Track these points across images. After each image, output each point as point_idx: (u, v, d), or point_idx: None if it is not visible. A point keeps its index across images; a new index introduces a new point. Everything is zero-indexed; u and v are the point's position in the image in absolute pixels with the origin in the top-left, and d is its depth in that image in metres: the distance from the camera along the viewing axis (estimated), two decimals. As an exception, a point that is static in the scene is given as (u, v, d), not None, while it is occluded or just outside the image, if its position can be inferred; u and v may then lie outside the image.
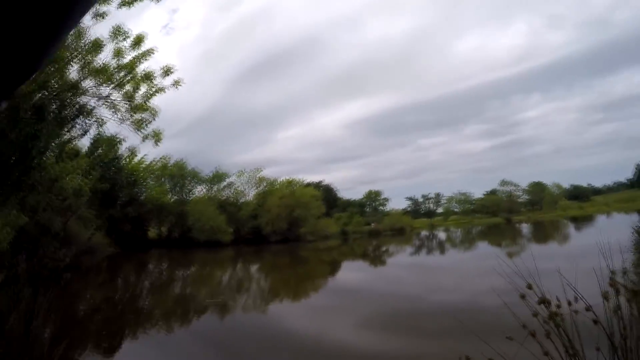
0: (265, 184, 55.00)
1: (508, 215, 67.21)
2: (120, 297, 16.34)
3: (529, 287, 3.69)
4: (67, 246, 12.17)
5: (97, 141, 13.88)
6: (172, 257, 33.36)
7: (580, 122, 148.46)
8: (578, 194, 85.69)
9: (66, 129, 10.23)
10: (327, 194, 69.94)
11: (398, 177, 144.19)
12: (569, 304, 3.60)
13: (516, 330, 3.65)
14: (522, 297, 3.63)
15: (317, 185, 68.69)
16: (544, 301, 3.60)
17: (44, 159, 8.27)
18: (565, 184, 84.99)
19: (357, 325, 11.54)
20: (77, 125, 10.96)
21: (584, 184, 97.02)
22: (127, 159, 31.82)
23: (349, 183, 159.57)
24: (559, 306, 3.59)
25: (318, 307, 14.75)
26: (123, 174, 30.29)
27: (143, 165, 36.32)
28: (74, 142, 12.35)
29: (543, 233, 39.00)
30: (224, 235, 42.10)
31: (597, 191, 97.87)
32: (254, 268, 30.54)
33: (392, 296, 15.49)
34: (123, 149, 27.75)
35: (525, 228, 47.99)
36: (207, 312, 13.24)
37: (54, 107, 8.73)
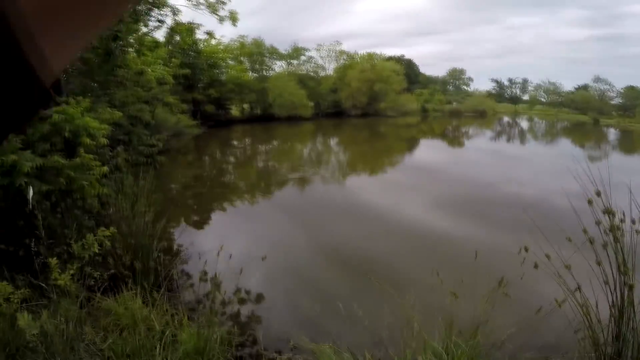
0: (345, 58, 53.72)
1: (597, 116, 61.21)
2: (207, 174, 17.89)
3: (598, 194, 3.77)
4: (158, 132, 13.30)
5: (174, 30, 14.27)
6: (255, 133, 34.94)
7: None
8: None
9: (142, 23, 10.69)
10: (408, 69, 67.28)
11: (484, 56, 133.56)
12: (633, 222, 3.68)
13: (579, 234, 3.84)
14: (590, 202, 3.73)
15: (399, 60, 65.80)
16: (609, 212, 3.69)
17: (126, 55, 8.88)
18: None
19: (429, 205, 12.06)
20: (152, 18, 11.38)
21: None
22: (205, 43, 32.28)
23: (432, 59, 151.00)
24: (622, 220, 3.69)
25: (393, 183, 15.33)
26: (202, 57, 30.91)
27: (221, 47, 36.58)
28: (151, 34, 12.97)
29: (630, 143, 35.57)
30: (305, 110, 42.72)
31: None
32: (333, 142, 31.41)
33: (466, 181, 15.66)
34: (200, 34, 28.23)
35: (612, 133, 43.87)
36: (288, 185, 14.23)
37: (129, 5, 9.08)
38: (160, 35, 26.66)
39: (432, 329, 4.13)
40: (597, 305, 3.71)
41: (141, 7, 9.67)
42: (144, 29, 11.15)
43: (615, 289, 3.62)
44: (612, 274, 3.62)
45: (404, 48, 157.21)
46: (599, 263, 3.59)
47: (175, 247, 8.58)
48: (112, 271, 5.38)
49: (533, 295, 5.16)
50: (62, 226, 5.38)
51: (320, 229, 10.03)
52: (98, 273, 5.02)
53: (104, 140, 6.62)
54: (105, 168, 6.26)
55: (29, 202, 4.89)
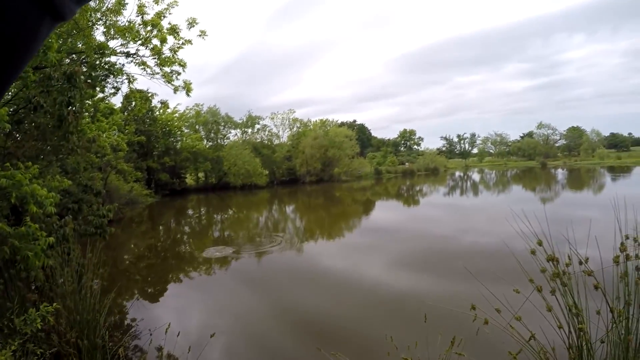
0: (298, 125, 55.21)
1: (544, 160, 65.48)
2: (162, 244, 17.28)
3: (539, 243, 3.83)
4: (110, 201, 12.83)
5: (129, 97, 14.22)
6: (210, 202, 34.47)
7: (626, 67, 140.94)
8: (617, 143, 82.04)
9: (98, 89, 10.58)
10: (361, 133, 69.68)
11: (433, 115, 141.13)
12: (580, 263, 3.73)
13: (535, 278, 3.84)
14: (533, 253, 3.78)
15: (351, 125, 68.28)
16: (552, 259, 3.74)
17: (80, 121, 8.66)
18: (605, 132, 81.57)
19: (388, 264, 11.99)
20: (108, 85, 11.30)
21: (625, 133, 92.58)
22: (161, 111, 32.37)
23: (383, 122, 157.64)
24: (568, 264, 3.73)
25: (351, 246, 15.25)
26: (157, 125, 30.87)
27: (176, 115, 36.83)
28: (107, 101, 12.81)
29: (577, 181, 38.01)
30: (260, 178, 42.87)
31: (637, 142, 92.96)
32: (289, 209, 31.31)
33: (422, 237, 15.87)
34: (155, 101, 28.33)
35: (560, 174, 46.79)
36: (245, 253, 13.86)
37: (84, 70, 9.01)
38: (116, 101, 26.62)
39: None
40: (553, 349, 3.69)
41: (98, 73, 9.59)
42: (100, 95, 11.02)
43: (569, 331, 3.63)
44: (565, 316, 3.64)
45: (356, 113, 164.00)
46: (549, 309, 3.62)
47: (126, 322, 8.03)
48: (56, 349, 4.90)
49: (489, 348, 5.08)
50: (3, 298, 4.93)
51: (280, 296, 9.71)
52: (41, 350, 4.57)
53: (52, 209, 6.25)
54: (52, 238, 5.87)
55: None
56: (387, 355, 4.10)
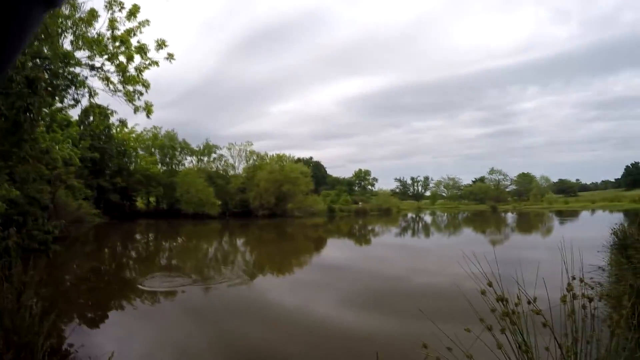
0: (255, 158, 55.07)
1: (494, 204, 68.12)
2: (106, 267, 16.42)
3: (489, 284, 3.88)
4: (56, 217, 12.14)
5: (88, 111, 13.73)
6: (159, 229, 33.44)
7: (576, 117, 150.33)
8: (565, 189, 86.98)
9: (57, 99, 10.15)
10: (316, 170, 70.25)
11: (389, 157, 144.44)
12: (528, 302, 3.79)
13: (486, 317, 3.85)
14: (483, 293, 3.81)
15: (307, 162, 68.80)
16: (501, 299, 3.79)
17: (35, 129, 8.22)
18: (554, 178, 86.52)
19: (339, 302, 11.82)
20: (69, 95, 10.87)
21: (573, 179, 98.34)
22: (118, 129, 31.56)
23: (339, 160, 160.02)
24: (517, 304, 3.78)
25: (302, 282, 15.00)
26: (113, 143, 30.03)
27: (133, 135, 36.04)
28: (65, 112, 12.26)
29: (526, 224, 39.65)
30: (212, 208, 42.25)
31: (584, 187, 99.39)
32: (240, 242, 30.77)
33: (374, 276, 15.82)
34: (114, 119, 27.60)
35: (510, 217, 48.72)
36: (192, 285, 13.35)
37: (47, 76, 8.62)
38: (73, 113, 25.69)
39: None
40: None
41: (60, 82, 9.19)
42: (59, 105, 10.55)
43: None
44: (515, 354, 3.68)
45: (313, 150, 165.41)
46: (499, 347, 3.64)
47: (64, 347, 7.42)
48: (-11, 373, 4.43)
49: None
50: None
51: (226, 331, 9.30)
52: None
53: (-4, 219, 5.81)
54: (-7, 250, 5.42)
55: None
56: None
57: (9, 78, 6.83)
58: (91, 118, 23.53)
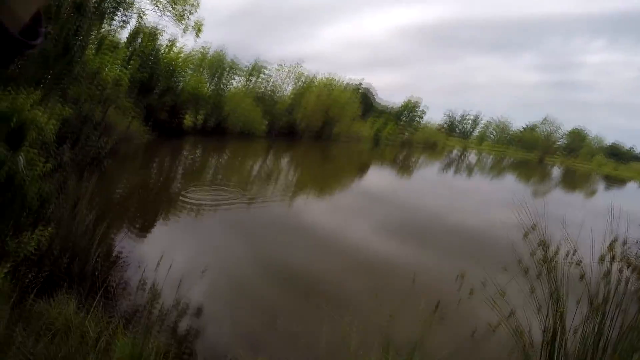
0: (304, 80, 54.02)
1: (542, 155, 65.08)
2: (154, 181, 17.45)
3: (534, 227, 4.00)
4: (107, 134, 12.90)
5: (137, 32, 14.02)
6: (206, 146, 34.43)
7: None
8: (617, 154, 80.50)
9: (106, 22, 10.47)
10: (365, 96, 68.74)
11: (440, 92, 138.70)
12: (566, 254, 3.93)
13: (516, 265, 4.05)
14: (526, 235, 3.96)
15: (356, 87, 67.06)
16: (543, 244, 3.93)
17: (85, 52, 8.64)
18: (607, 140, 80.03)
19: (374, 229, 12.28)
20: (117, 18, 11.17)
21: (627, 146, 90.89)
22: (166, 50, 31.84)
23: (389, 89, 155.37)
24: (556, 252, 3.93)
25: (340, 206, 15.50)
26: (162, 64, 30.36)
27: (182, 56, 36.06)
28: (113, 34, 12.65)
29: (571, 182, 37.97)
30: (258, 128, 42.67)
31: (637, 157, 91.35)
32: (283, 162, 31.42)
33: (412, 208, 16.12)
34: (163, 40, 27.73)
35: (555, 172, 46.70)
36: (236, 200, 14.06)
37: (94, 1, 8.91)
38: (122, 36, 26.08)
39: (369, 349, 4.22)
40: (530, 330, 3.91)
41: (107, 5, 9.47)
42: (107, 27, 10.89)
43: (547, 315, 3.83)
44: (546, 301, 3.83)
45: (363, 76, 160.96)
46: (532, 291, 3.80)
47: (114, 253, 8.28)
48: (48, 273, 5.12)
49: (470, 319, 5.37)
50: (-2, 221, 5.10)
51: (265, 246, 9.99)
52: (33, 274, 4.78)
53: (52, 136, 6.37)
54: (50, 165, 6.01)
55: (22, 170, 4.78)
56: (369, 311, 4.33)
57: (57, 4, 7.17)
58: (139, 40, 23.96)
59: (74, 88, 8.95)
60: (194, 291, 6.03)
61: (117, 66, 12.68)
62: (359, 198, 18.18)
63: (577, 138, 72.78)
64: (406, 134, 68.60)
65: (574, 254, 3.84)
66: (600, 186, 36.13)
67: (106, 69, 11.05)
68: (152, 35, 24.04)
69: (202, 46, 41.82)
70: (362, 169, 30.52)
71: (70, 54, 7.64)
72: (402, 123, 74.67)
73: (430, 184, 25.40)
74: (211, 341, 5.27)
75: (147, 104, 29.03)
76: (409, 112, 79.36)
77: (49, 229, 5.03)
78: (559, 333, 3.78)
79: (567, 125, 77.74)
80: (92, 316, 4.51)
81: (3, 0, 0.47)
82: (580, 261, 3.75)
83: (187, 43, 42.67)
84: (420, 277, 4.49)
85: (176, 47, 31.91)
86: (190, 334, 5.50)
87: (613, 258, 3.80)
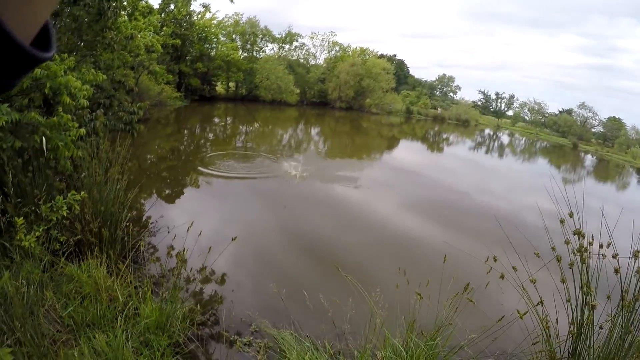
0: (337, 49, 53.37)
1: (576, 141, 62.50)
2: (185, 148, 17.70)
3: (571, 214, 3.85)
4: (140, 100, 13.02)
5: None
6: (237, 113, 34.62)
7: None
8: None
9: (139, -14, 10.45)
10: (399, 69, 67.37)
11: (476, 67, 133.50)
12: (600, 246, 3.78)
13: (546, 253, 3.93)
14: (562, 222, 3.81)
15: (390, 59, 65.54)
16: (578, 233, 3.78)
17: (118, 18, 8.64)
18: None
19: (403, 205, 12.18)
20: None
21: None
22: (200, 16, 31.75)
23: (423, 62, 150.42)
24: (591, 243, 3.78)
25: (368, 179, 15.39)
26: (194, 30, 30.32)
27: (215, 22, 35.97)
28: (146, 0, 12.66)
29: (604, 172, 36.39)
30: (290, 96, 42.66)
31: None
32: (314, 131, 31.36)
33: (440, 186, 15.89)
34: (196, 5, 27.57)
35: (588, 160, 44.92)
36: (264, 169, 14.13)
37: (127, -35, 8.84)
38: (155, 2, 26.08)
39: (394, 327, 4.21)
40: (557, 320, 3.82)
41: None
42: (140, -8, 10.88)
43: (576, 307, 3.72)
44: (575, 292, 3.72)
45: (398, 47, 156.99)
46: (563, 281, 3.69)
47: (144, 218, 8.48)
48: (79, 237, 5.26)
49: (496, 304, 5.29)
50: (32, 186, 5.22)
51: (293, 217, 10.05)
52: (64, 237, 4.91)
53: (85, 102, 6.43)
54: (83, 130, 6.08)
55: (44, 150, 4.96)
56: (395, 288, 4.30)
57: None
58: (172, 6, 23.93)
59: (107, 54, 9.01)
60: (221, 259, 6.12)
61: (150, 32, 12.69)
62: (386, 172, 18.04)
63: (614, 127, 69.41)
64: (439, 109, 67.11)
65: (608, 247, 3.68)
66: (633, 179, 34.68)
67: (139, 35, 11.06)
68: (185, 0, 23.92)
69: (235, 12, 41.66)
70: (391, 143, 30.18)
71: (104, 19, 7.65)
72: (435, 97, 73.08)
73: (459, 162, 24.93)
74: (236, 309, 5.35)
75: (180, 70, 29.24)
76: (443, 86, 77.55)
77: (82, 193, 5.12)
78: (585, 326, 3.67)
79: (604, 112, 73.87)
80: (121, 281, 4.63)
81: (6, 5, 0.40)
82: (617, 254, 3.59)
83: (220, 9, 42.52)
84: (449, 258, 4.39)
85: (209, 13, 31.69)
86: (216, 301, 5.61)
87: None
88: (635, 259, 3.65)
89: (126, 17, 10.21)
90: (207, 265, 5.53)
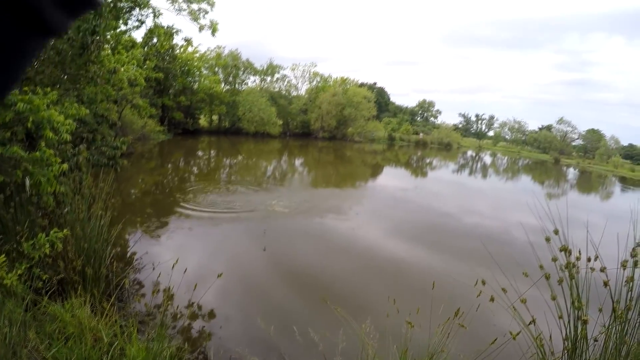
0: (318, 80, 54.35)
1: (558, 156, 64.12)
2: (169, 182, 17.52)
3: (556, 232, 3.85)
4: (123, 134, 12.93)
5: (153, 31, 14.05)
6: (221, 146, 34.63)
7: None
8: (634, 155, 78.18)
9: (122, 21, 10.48)
10: (379, 96, 68.73)
11: (456, 91, 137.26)
12: (588, 260, 3.78)
13: (534, 270, 3.91)
14: (547, 240, 3.80)
15: (371, 87, 67.09)
16: (565, 249, 3.77)
17: (101, 52, 8.63)
18: (624, 141, 77.16)
19: (390, 232, 12.15)
20: (133, 17, 11.18)
21: None
22: (182, 49, 32.07)
23: (404, 89, 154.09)
24: (578, 258, 3.78)
25: (354, 208, 15.37)
26: (177, 63, 30.58)
27: (197, 55, 36.36)
28: (129, 34, 12.71)
29: (587, 184, 37.32)
30: (273, 128, 42.93)
31: None
32: (299, 162, 31.45)
33: (427, 210, 15.97)
34: (178, 39, 27.88)
35: (571, 173, 46.04)
36: (251, 201, 14.00)
37: (110, 0, 8.90)
38: (138, 35, 26.27)
39: (386, 356, 4.12)
40: (550, 337, 3.78)
41: (123, 5, 9.47)
42: (123, 27, 10.91)
43: (569, 323, 3.71)
44: (567, 308, 3.71)
45: (378, 76, 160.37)
46: (553, 298, 3.68)
47: (129, 254, 8.29)
48: (62, 275, 5.08)
49: (488, 326, 5.22)
50: (13, 222, 5.07)
51: (280, 249, 9.92)
52: (47, 276, 4.74)
53: (67, 136, 6.33)
54: (65, 165, 5.96)
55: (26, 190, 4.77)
56: (386, 317, 4.23)
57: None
58: (155, 40, 24.14)
59: (90, 88, 8.95)
60: (208, 294, 5.96)
61: (133, 66, 12.70)
62: (372, 199, 18.07)
63: (594, 139, 71.50)
64: (421, 134, 68.24)
65: (595, 260, 3.70)
66: (616, 189, 35.44)
67: (122, 69, 11.06)
68: (167, 34, 24.15)
69: (217, 46, 42.20)
70: (375, 171, 30.41)
71: (87, 53, 7.63)
72: (416, 123, 74.36)
73: (443, 185, 25.21)
74: (225, 346, 5.18)
75: (163, 103, 29.29)
76: (423, 111, 79.03)
77: (64, 230, 4.98)
78: (579, 341, 3.65)
79: (583, 125, 75.77)
80: (106, 320, 4.45)
81: None
82: (604, 267, 3.61)
83: (202, 42, 42.99)
84: (438, 282, 4.35)
85: (192, 46, 32.07)
86: (204, 338, 5.43)
87: (636, 263, 3.66)
88: (624, 269, 3.67)
89: (109, 51, 10.19)
90: (194, 302, 5.38)
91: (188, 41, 29.85)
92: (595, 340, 3.67)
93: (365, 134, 54.04)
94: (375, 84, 74.40)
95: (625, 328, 3.59)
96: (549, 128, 75.55)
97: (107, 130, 10.60)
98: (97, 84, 8.99)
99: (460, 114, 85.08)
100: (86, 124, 9.33)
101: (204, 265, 8.09)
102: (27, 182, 4.90)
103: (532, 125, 79.56)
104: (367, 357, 4.03)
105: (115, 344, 4.06)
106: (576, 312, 3.70)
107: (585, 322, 3.62)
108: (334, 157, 36.49)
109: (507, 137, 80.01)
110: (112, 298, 4.84)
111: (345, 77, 55.95)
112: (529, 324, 3.73)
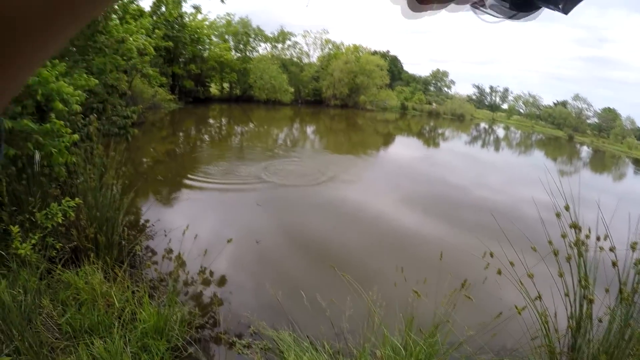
0: (330, 47, 53.30)
1: (572, 133, 62.60)
2: (181, 150, 17.64)
3: (567, 208, 3.86)
4: (134, 104, 12.98)
5: (160, 0, 13.91)
6: (232, 114, 34.55)
7: None
8: None
9: (129, -11, 10.41)
10: (392, 65, 67.29)
11: (470, 61, 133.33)
12: (597, 239, 3.78)
13: (543, 246, 3.93)
14: (558, 215, 3.81)
15: (384, 55, 65.51)
16: (575, 226, 3.78)
17: (109, 22, 8.61)
18: (639, 123, 75.57)
19: (400, 202, 12.19)
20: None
21: None
22: (191, 17, 31.67)
23: (417, 57, 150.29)
24: (588, 237, 3.79)
25: (365, 176, 15.40)
26: (186, 32, 30.20)
27: (206, 23, 35.82)
28: (136, 3, 12.59)
29: (600, 163, 36.45)
30: (284, 95, 42.59)
31: None
32: (309, 129, 31.34)
33: (437, 181, 15.91)
34: (187, 7, 27.47)
35: (584, 151, 45.02)
36: (261, 168, 14.05)
37: (117, -32, 8.80)
38: (146, 4, 25.98)
39: (393, 325, 4.21)
40: (555, 315, 3.82)
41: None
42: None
43: (574, 301, 3.73)
44: (573, 286, 3.72)
45: (391, 44, 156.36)
46: (561, 275, 3.70)
47: (141, 222, 8.45)
48: (75, 243, 5.25)
49: (494, 299, 5.31)
50: (26, 193, 5.21)
51: (290, 216, 10.04)
52: (60, 244, 4.90)
53: (77, 107, 6.42)
54: (76, 136, 6.07)
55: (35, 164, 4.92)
56: (393, 286, 4.31)
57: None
58: (163, 8, 23.90)
59: (100, 58, 8.97)
60: (219, 261, 6.12)
61: (142, 35, 12.63)
62: (382, 168, 18.06)
63: (609, 117, 69.44)
64: (433, 104, 67.12)
65: (605, 239, 3.68)
66: (629, 170, 34.75)
67: (131, 38, 11.01)
68: (176, 2, 23.86)
69: (227, 13, 41.57)
70: (387, 139, 30.22)
71: (95, 23, 7.63)
72: (429, 93, 73.09)
73: (454, 157, 24.99)
74: (235, 312, 5.35)
75: (173, 72, 29.18)
76: (437, 81, 77.41)
77: (76, 199, 5.11)
78: (584, 320, 3.68)
79: (599, 104, 73.47)
80: (118, 286, 4.62)
81: None
82: (614, 247, 3.60)
83: (212, 11, 42.41)
84: (446, 254, 4.41)
85: (201, 14, 31.63)
86: (214, 304, 5.60)
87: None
88: (633, 251, 3.66)
89: (117, 21, 10.15)
90: (205, 268, 5.53)
91: (197, 9, 29.44)
92: (600, 320, 3.70)
93: (378, 103, 53.34)
94: (388, 52, 72.59)
95: (631, 311, 3.60)
96: (564, 104, 73.46)
97: (118, 100, 10.65)
98: (106, 55, 9.01)
99: (474, 85, 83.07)
100: (96, 95, 9.39)
101: (216, 231, 8.24)
102: (37, 155, 5.01)
103: (547, 100, 77.52)
104: (374, 324, 4.13)
105: (127, 309, 4.23)
106: (582, 290, 3.72)
107: (591, 302, 3.64)
108: (346, 125, 36.27)
109: (521, 110, 78.17)
110: (125, 265, 5.01)
111: (357, 45, 54.86)
112: (534, 300, 3.78)
